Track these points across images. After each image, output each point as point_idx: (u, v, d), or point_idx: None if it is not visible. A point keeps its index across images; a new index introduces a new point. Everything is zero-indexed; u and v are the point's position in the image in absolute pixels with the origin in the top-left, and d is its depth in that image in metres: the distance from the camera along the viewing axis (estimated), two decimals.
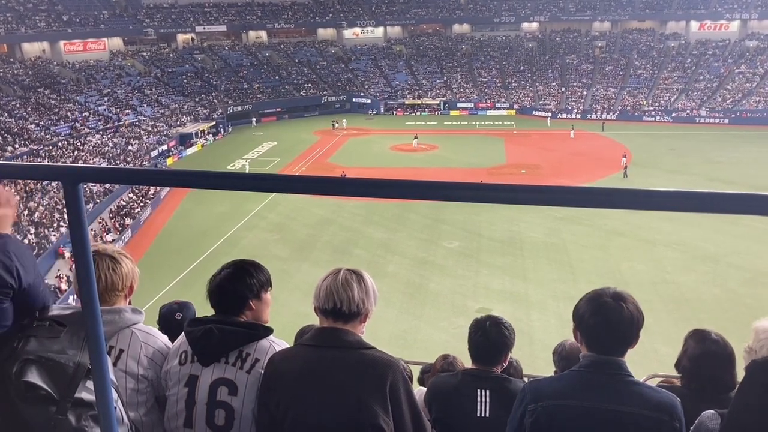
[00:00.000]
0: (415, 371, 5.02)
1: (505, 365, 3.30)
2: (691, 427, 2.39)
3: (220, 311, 2.65)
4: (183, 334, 2.67)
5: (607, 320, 2.30)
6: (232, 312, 2.62)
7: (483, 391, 3.12)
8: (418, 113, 67.51)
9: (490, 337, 3.20)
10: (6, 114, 46.92)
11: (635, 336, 2.35)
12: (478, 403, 3.11)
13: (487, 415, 3.09)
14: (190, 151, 52.80)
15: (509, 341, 3.23)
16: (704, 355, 2.96)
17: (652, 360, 15.97)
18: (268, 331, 2.60)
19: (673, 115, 60.52)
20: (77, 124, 49.63)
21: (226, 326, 2.56)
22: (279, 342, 2.61)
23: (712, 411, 2.41)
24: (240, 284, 2.62)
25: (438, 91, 70.50)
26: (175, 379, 2.58)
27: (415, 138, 51.25)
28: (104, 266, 2.58)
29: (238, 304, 2.62)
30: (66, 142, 45.33)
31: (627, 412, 2.24)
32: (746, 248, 27.06)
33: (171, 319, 3.51)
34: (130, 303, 2.72)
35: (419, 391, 3.61)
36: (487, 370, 3.21)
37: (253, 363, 2.52)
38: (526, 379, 3.81)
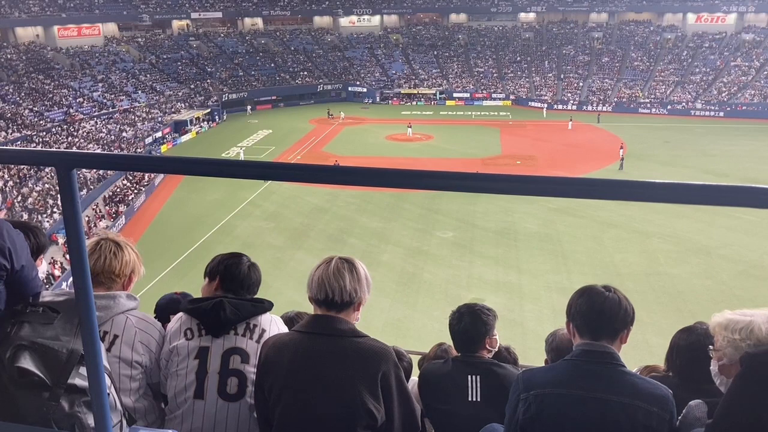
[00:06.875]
0: (414, 360, 5.05)
1: (490, 349, 3.32)
2: (679, 416, 2.43)
3: (240, 291, 2.79)
4: (180, 314, 2.73)
5: (594, 300, 2.39)
6: (248, 293, 2.83)
7: (473, 376, 3.16)
8: (414, 103, 67.33)
9: (466, 326, 3.24)
10: None
11: (624, 323, 2.37)
12: (469, 389, 3.14)
13: (478, 399, 3.12)
14: (185, 138, 52.59)
15: (486, 327, 3.25)
16: (691, 345, 2.99)
17: (643, 351, 16.10)
18: (271, 305, 2.76)
19: (669, 107, 60.54)
20: (71, 110, 49.33)
21: (235, 299, 2.69)
22: (277, 318, 2.77)
23: (699, 400, 2.45)
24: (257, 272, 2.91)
25: (434, 81, 70.27)
26: (183, 354, 2.63)
27: (409, 127, 51.19)
28: (107, 248, 2.66)
29: (254, 290, 2.84)
30: (60, 128, 45.08)
31: (618, 401, 2.26)
32: (738, 241, 27.19)
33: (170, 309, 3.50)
34: None
35: (414, 379, 3.63)
36: (475, 356, 3.24)
37: (261, 333, 2.65)
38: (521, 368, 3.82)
